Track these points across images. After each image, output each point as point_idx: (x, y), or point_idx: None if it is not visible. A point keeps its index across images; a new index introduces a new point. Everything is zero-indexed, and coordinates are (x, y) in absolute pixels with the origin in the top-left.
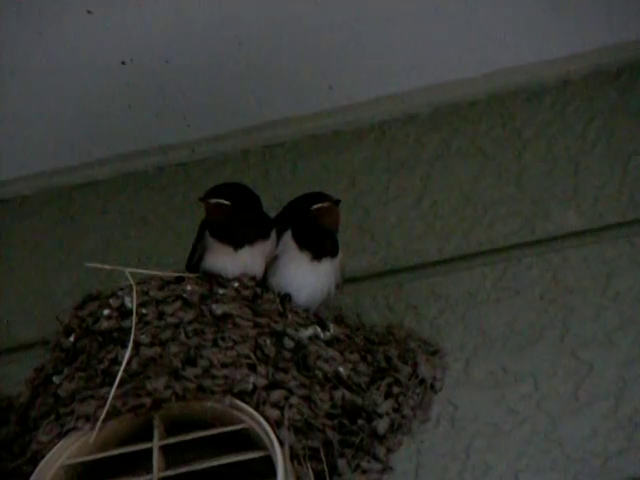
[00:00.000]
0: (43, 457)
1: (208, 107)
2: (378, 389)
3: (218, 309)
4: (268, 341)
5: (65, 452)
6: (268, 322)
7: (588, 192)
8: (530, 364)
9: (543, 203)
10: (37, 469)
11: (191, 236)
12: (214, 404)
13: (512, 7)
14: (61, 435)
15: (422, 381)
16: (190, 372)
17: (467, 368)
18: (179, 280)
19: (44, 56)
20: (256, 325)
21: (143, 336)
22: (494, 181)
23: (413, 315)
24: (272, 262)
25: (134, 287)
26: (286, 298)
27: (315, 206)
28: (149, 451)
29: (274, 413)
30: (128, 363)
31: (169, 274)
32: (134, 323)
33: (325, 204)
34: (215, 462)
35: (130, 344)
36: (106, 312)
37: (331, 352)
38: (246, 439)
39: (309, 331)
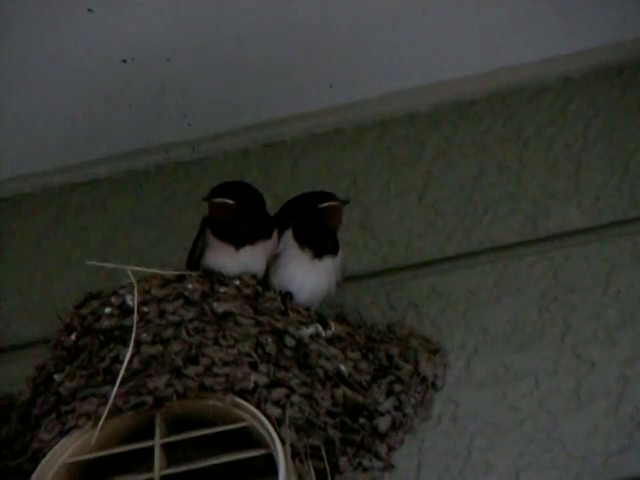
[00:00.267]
0: (44, 455)
1: (209, 105)
2: (379, 387)
3: (219, 307)
4: (269, 339)
5: (66, 450)
6: (269, 320)
7: (589, 190)
8: (531, 362)
9: (544, 201)
10: (38, 467)
11: (192, 234)
12: (215, 402)
13: (513, 6)
14: (62, 433)
15: (423, 379)
16: (191, 370)
17: (468, 366)
18: (180, 278)
19: (45, 55)
20: (257, 323)
21: (144, 334)
22: (495, 179)
23: (414, 313)
24: (273, 261)
25: (135, 285)
26: (287, 296)
27: (323, 204)
28: (151, 449)
29: (275, 411)
30: (129, 361)
31: (170, 272)
32: (135, 321)
33: (333, 203)
34: (216, 460)
35: (131, 342)
36: (107, 310)
37: (332, 350)
38: (247, 437)
39: (310, 329)
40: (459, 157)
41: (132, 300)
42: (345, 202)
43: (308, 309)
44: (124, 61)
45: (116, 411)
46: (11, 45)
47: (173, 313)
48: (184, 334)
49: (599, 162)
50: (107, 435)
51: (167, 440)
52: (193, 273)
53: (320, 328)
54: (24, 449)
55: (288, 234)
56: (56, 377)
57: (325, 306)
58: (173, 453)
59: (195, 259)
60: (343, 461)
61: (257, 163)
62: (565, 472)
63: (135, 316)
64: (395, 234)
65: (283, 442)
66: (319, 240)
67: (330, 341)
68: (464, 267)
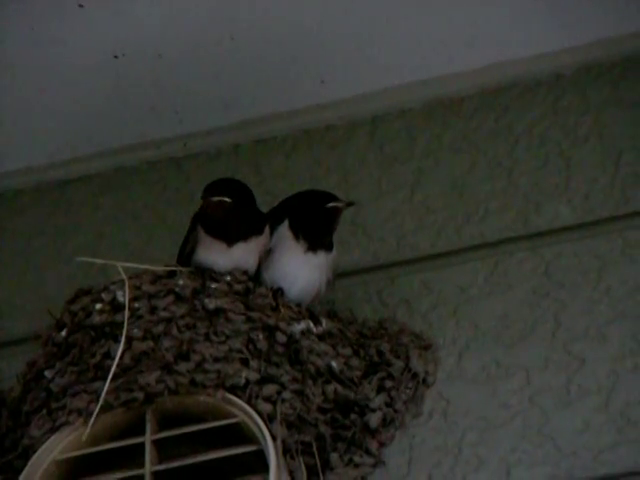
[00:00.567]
0: (35, 452)
1: (200, 101)
2: (370, 383)
3: (210, 303)
4: (260, 335)
5: (57, 447)
6: (260, 316)
7: (580, 186)
8: (522, 358)
9: (535, 197)
10: (29, 464)
11: (183, 230)
12: (207, 398)
13: (504, 2)
14: (53, 430)
15: (414, 375)
16: (182, 366)
17: (459, 362)
18: (171, 274)
19: (36, 51)
20: (248, 319)
21: (135, 330)
22: (486, 175)
23: (405, 309)
24: (266, 256)
25: (126, 281)
26: (278, 292)
27: (331, 204)
28: (141, 445)
29: (266, 407)
30: (120, 357)
31: (161, 268)
32: (126, 317)
33: (339, 204)
34: (207, 456)
35: (122, 338)
36: (98, 306)
37: (323, 346)
38: (238, 433)
39: (301, 325)
40: (450, 153)
41: (123, 296)
42: (349, 205)
43: (299, 305)
44: (115, 57)
45: (107, 407)
46: (3, 41)
47: (164, 309)
48: (175, 330)
49: (590, 158)
50: (98, 431)
51: (158, 436)
52: (184, 269)
53: (311, 324)
54: (14, 445)
55: (284, 226)
56: (47, 373)
57: (316, 302)
58: (164, 449)
59: (186, 255)
60: (334, 457)
61: (248, 159)
62: (556, 468)
63: (126, 312)
64: (386, 230)
65: (274, 438)
66: (315, 234)
67: (321, 337)
68: (455, 263)
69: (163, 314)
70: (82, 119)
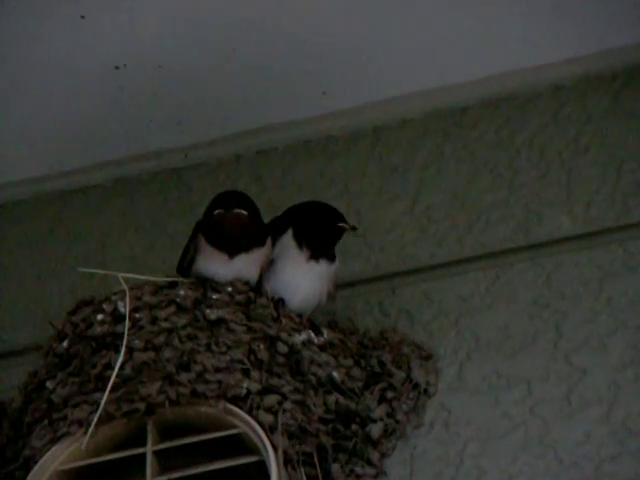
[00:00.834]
0: (36, 463)
1: (201, 112)
2: (372, 394)
3: (212, 314)
4: (262, 346)
5: (58, 458)
6: (262, 327)
7: (581, 197)
8: (523, 369)
9: (536, 208)
10: (30, 475)
11: (185, 241)
12: (208, 409)
13: (505, 13)
14: (54, 440)
15: (416, 386)
16: (184, 377)
17: (460, 373)
18: (173, 285)
19: (38, 61)
20: (250, 330)
21: (136, 341)
22: (487, 186)
23: (406, 320)
24: (268, 266)
25: (127, 292)
26: (280, 303)
27: (343, 224)
28: (143, 456)
29: (268, 418)
30: (121, 368)
31: (162, 279)
32: (127, 328)
33: (347, 226)
34: (209, 467)
35: (123, 349)
36: (99, 317)
37: (325, 357)
38: (240, 444)
39: (303, 336)
40: (451, 164)
41: (124, 307)
42: (353, 229)
43: (300, 316)
44: (117, 67)
45: (108, 418)
46: (4, 51)
47: (165, 320)
48: (176, 341)
49: (591, 169)
50: (99, 442)
51: (159, 447)
52: (185, 280)
53: (312, 335)
54: (16, 456)
55: (287, 235)
56: (48, 384)
57: (317, 313)
58: (165, 460)
59: (186, 265)
60: (335, 468)
61: (249, 170)
62: (557, 478)
63: (127, 323)
64: (387, 241)
65: (275, 449)
66: (318, 244)
67: (322, 348)
68: (456, 274)
69: (164, 325)
70: (83, 130)
